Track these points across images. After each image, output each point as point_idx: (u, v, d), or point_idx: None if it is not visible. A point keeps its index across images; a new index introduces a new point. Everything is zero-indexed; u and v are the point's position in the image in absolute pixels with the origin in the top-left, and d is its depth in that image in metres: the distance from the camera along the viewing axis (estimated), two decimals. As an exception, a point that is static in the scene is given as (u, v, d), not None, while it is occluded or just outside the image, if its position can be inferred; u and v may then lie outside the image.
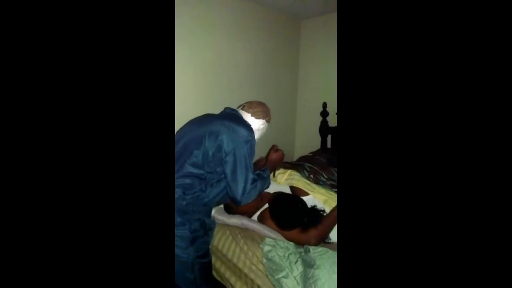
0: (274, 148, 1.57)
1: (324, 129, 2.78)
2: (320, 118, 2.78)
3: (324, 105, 2.74)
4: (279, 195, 1.75)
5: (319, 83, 2.98)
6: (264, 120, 1.43)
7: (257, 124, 1.41)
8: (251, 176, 1.26)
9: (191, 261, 1.24)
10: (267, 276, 1.39)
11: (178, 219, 1.20)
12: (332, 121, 2.75)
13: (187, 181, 1.24)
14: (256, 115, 1.41)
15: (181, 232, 1.21)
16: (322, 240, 1.62)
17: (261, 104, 1.46)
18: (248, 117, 1.41)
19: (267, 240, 1.49)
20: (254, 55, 2.66)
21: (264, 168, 1.44)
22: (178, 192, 1.23)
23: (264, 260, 1.41)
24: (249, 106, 1.44)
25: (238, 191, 1.24)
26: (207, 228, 1.34)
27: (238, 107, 1.49)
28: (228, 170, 1.24)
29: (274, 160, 1.54)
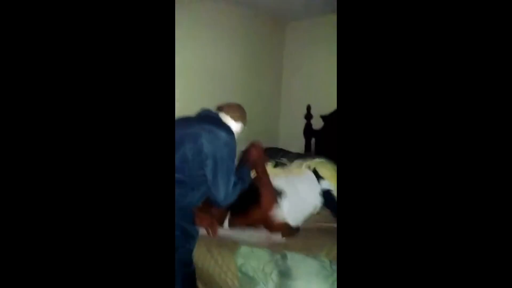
0: (254, 145, 1.54)
1: (308, 131, 2.71)
2: (304, 121, 2.71)
3: (308, 107, 2.68)
4: None
5: (303, 85, 2.92)
6: (242, 124, 1.41)
7: (235, 127, 1.38)
8: (232, 179, 1.24)
9: None
10: (241, 291, 1.29)
11: None
12: (316, 124, 2.68)
13: None
14: (235, 119, 1.39)
15: None
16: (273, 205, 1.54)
17: (239, 107, 1.44)
18: (227, 119, 1.38)
19: (242, 249, 1.39)
20: (237, 57, 2.61)
21: (244, 169, 1.41)
22: None
23: (239, 275, 1.32)
24: (227, 109, 1.41)
25: (220, 194, 1.23)
26: (188, 235, 1.28)
27: (216, 109, 1.44)
28: (209, 174, 1.21)
29: (254, 158, 1.51)
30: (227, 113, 1.38)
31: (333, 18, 2.50)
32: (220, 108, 1.42)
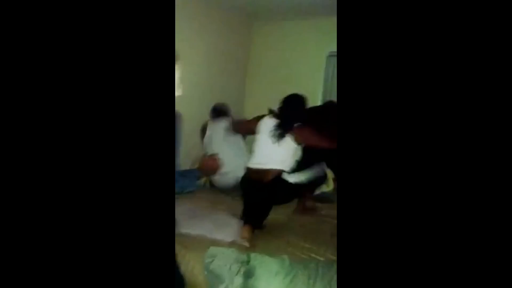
0: (211, 157, 1.69)
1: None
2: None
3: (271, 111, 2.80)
4: None
5: (266, 88, 3.04)
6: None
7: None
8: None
9: None
10: (207, 288, 1.40)
11: None
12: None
13: None
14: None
15: None
16: None
17: None
18: None
19: (210, 249, 1.50)
20: (202, 55, 2.63)
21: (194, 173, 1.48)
22: None
23: (205, 272, 1.42)
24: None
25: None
26: None
27: None
28: None
29: (206, 169, 1.64)
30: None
31: (301, 23, 2.68)
32: None
